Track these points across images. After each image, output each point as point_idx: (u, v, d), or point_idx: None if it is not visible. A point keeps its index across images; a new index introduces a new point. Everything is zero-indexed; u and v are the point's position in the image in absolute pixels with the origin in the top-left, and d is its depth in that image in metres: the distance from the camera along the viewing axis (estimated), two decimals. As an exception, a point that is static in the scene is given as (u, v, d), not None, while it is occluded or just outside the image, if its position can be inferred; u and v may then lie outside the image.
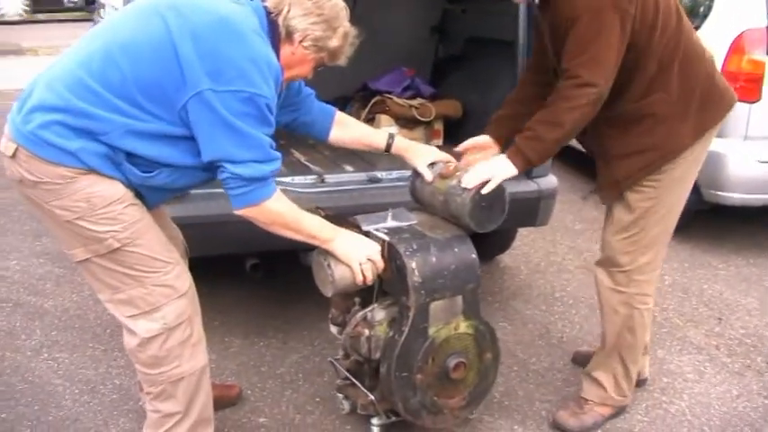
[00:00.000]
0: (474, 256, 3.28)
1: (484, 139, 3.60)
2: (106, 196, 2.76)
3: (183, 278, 2.98)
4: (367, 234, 3.28)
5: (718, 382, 4.15)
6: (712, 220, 6.49)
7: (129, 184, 2.83)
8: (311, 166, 4.67)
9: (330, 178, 4.34)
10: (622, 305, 3.53)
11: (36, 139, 2.68)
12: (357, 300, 3.41)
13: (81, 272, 3.11)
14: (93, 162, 2.71)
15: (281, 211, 2.93)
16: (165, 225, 3.22)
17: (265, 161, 2.78)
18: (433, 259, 3.18)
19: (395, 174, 4.35)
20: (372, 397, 3.38)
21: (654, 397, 3.98)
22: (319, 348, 4.38)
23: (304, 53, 2.90)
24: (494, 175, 3.19)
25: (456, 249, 3.25)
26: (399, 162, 3.74)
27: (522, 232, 5.84)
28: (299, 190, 4.13)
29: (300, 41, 2.87)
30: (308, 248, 3.19)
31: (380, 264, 3.17)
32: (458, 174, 3.29)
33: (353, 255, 3.11)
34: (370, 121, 5.47)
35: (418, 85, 5.81)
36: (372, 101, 5.52)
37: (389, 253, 3.21)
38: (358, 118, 5.38)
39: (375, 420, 3.46)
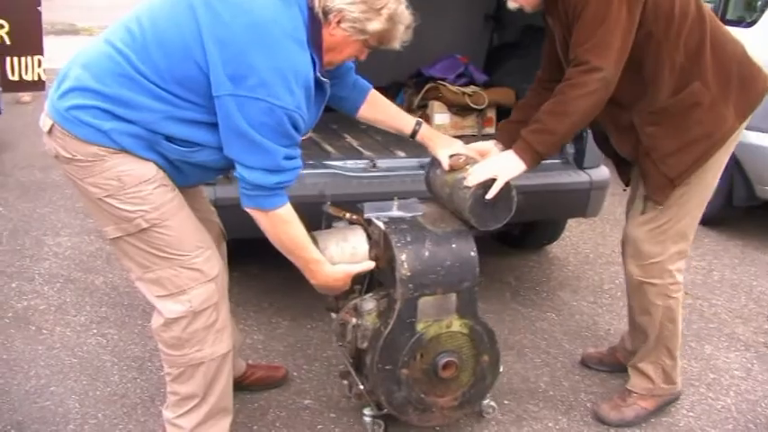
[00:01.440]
0: (473, 253, 3.19)
1: (486, 145, 3.52)
2: (136, 175, 2.78)
3: (212, 263, 2.97)
4: (368, 221, 3.28)
5: (765, 380, 4.11)
6: (764, 217, 6.43)
7: (165, 162, 2.84)
8: (363, 150, 4.68)
9: (382, 163, 4.34)
10: (659, 297, 3.50)
11: (71, 118, 2.72)
12: (357, 288, 3.38)
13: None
14: (125, 142, 2.74)
15: (287, 221, 2.92)
16: (199, 206, 3.23)
17: (274, 171, 2.76)
18: (426, 253, 3.12)
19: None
20: (362, 387, 3.36)
21: (700, 392, 3.96)
22: (365, 333, 4.38)
23: (344, 35, 2.81)
24: (499, 174, 3.11)
25: (453, 245, 3.18)
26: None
27: (572, 223, 5.81)
28: (351, 174, 4.15)
29: (338, 22, 2.78)
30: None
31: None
32: (467, 167, 3.23)
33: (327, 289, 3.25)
34: (422, 107, 5.48)
35: (472, 72, 5.78)
36: (426, 87, 5.50)
37: (384, 242, 3.18)
38: (411, 104, 5.42)
39: (367, 411, 3.44)
